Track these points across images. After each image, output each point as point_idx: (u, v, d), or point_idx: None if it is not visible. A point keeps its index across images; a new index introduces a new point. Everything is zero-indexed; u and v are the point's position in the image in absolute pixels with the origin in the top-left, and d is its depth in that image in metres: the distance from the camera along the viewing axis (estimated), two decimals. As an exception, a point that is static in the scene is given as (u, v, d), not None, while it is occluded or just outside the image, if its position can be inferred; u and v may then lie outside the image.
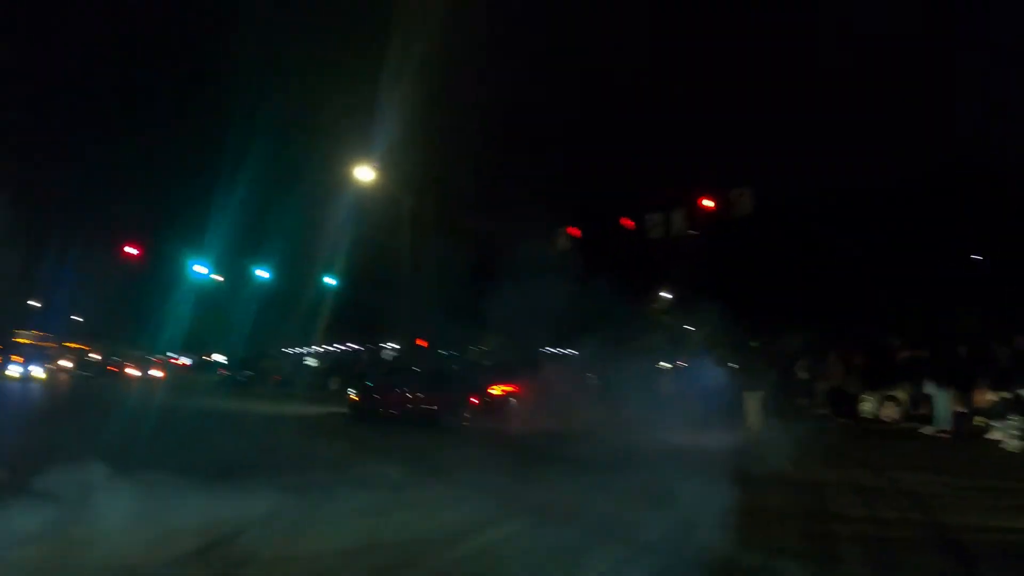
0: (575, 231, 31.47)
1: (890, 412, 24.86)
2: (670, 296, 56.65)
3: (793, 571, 7.52)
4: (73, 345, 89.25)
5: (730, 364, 25.85)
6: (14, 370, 57.42)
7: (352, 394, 29.72)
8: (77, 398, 40.45)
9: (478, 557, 8.23)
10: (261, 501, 10.44)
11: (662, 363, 32.67)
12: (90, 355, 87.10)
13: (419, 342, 49.74)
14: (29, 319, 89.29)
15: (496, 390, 26.73)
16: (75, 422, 24.51)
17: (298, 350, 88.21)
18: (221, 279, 58.74)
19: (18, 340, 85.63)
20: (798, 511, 10.39)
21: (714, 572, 7.44)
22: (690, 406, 26.60)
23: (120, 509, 9.01)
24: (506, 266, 42.35)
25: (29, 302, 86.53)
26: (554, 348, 55.58)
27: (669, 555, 8.01)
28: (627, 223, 29.02)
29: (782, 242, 39.63)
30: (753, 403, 20.20)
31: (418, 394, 26.96)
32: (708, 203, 27.13)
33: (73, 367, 74.44)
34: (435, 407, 26.01)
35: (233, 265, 55.48)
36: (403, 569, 7.81)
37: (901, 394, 25.10)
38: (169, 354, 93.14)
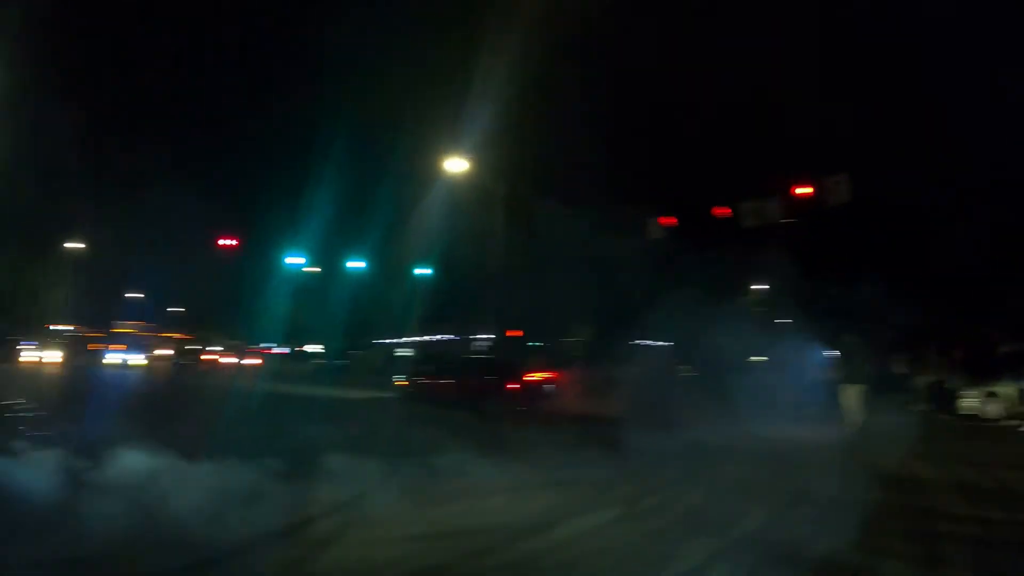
0: (668, 220, 31.02)
1: (993, 408, 23.98)
2: (764, 287, 55.72)
3: (895, 571, 7.24)
4: (172, 335, 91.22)
5: (827, 357, 25.25)
6: (113, 358, 60.13)
7: (399, 380, 32.21)
8: (176, 385, 41.28)
9: (566, 546, 8.11)
10: (349, 485, 10.81)
11: (756, 355, 32.09)
12: (188, 344, 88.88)
13: (511, 332, 49.73)
14: (130, 310, 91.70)
15: (534, 377, 27.24)
16: (183, 409, 25.16)
17: (393, 340, 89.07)
18: (316, 270, 59.30)
19: (120, 330, 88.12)
20: (899, 509, 10.01)
21: (810, 570, 7.18)
22: (786, 399, 26.22)
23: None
24: (599, 255, 42.17)
25: (130, 294, 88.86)
26: (647, 339, 55.18)
27: (762, 550, 7.80)
28: (721, 211, 28.44)
29: (880, 231, 38.62)
30: (851, 397, 19.63)
31: (455, 379, 28.24)
32: (804, 190, 26.39)
33: (171, 356, 76.26)
34: (473, 393, 26.07)
35: (328, 256, 56.08)
36: (488, 555, 7.77)
37: (1004, 389, 24.21)
38: (266, 344, 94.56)
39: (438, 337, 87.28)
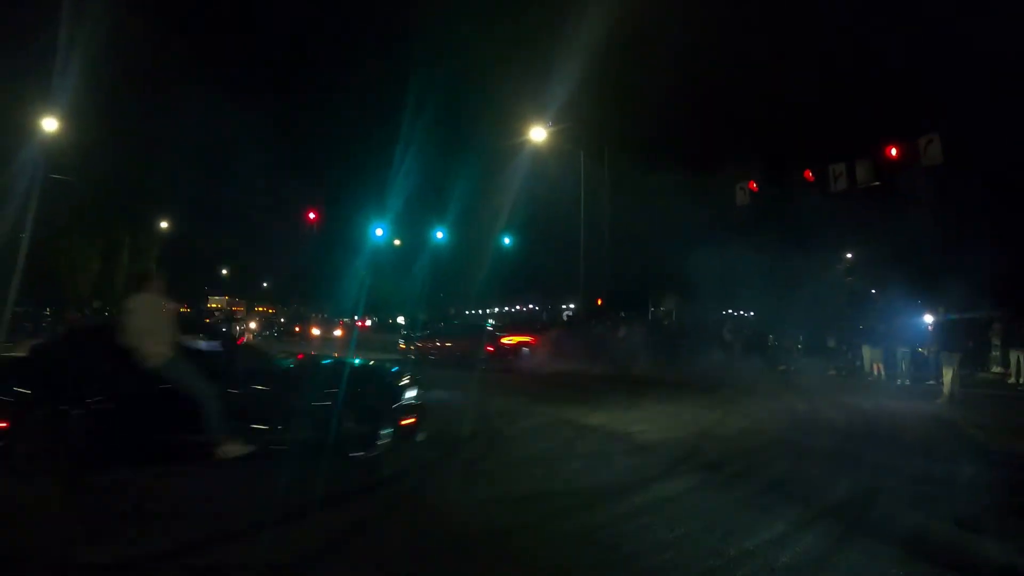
0: (754, 185, 30.20)
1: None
2: (854, 255, 54.42)
3: (988, 547, 6.80)
4: (261, 308, 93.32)
5: (924, 326, 24.45)
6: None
7: (400, 343, 39.09)
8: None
9: (645, 511, 7.91)
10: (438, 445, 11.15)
11: (849, 325, 31.23)
12: (276, 317, 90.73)
13: (597, 302, 49.30)
14: (221, 285, 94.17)
15: (509, 341, 33.18)
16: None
17: (479, 311, 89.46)
18: (399, 242, 59.59)
19: (210, 305, 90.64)
20: (995, 484, 9.44)
21: (897, 542, 6.78)
22: (879, 369, 25.50)
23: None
24: (684, 223, 41.53)
25: (222, 270, 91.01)
26: (735, 309, 54.30)
27: (850, 521, 7.43)
28: (808, 175, 27.55)
29: (975, 193, 37.18)
30: (948, 370, 18.94)
31: (447, 343, 34.33)
32: (894, 151, 25.36)
33: (257, 328, 78.16)
34: (459, 353, 32.11)
35: (412, 228, 56.24)
36: (565, 519, 7.63)
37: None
38: (352, 317, 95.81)
39: (526, 308, 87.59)
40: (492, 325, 39.71)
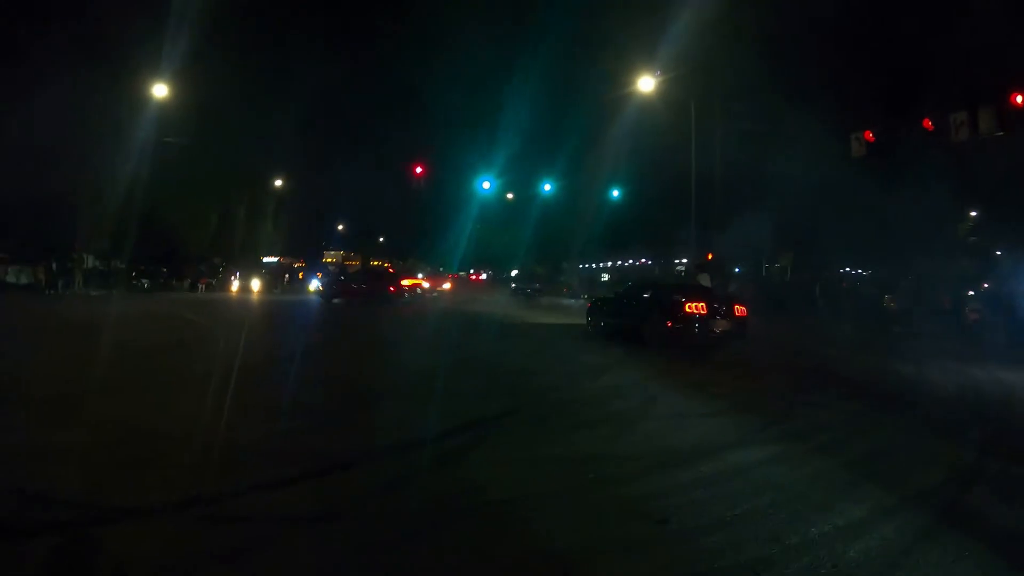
0: (870, 135, 28.44)
1: None
2: (977, 212, 51.51)
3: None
4: (376, 263, 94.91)
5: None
6: (316, 285, 63.96)
7: (316, 285, 48.74)
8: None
9: (710, 482, 7.15)
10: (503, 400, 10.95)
11: (971, 287, 29.47)
12: (388, 271, 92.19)
13: (707, 256, 48.04)
14: (338, 240, 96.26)
15: (409, 283, 46.76)
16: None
17: (592, 265, 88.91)
18: (511, 196, 59.27)
19: (326, 260, 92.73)
20: None
21: (994, 542, 5.70)
22: (999, 336, 23.71)
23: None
24: (796, 176, 39.84)
25: (338, 226, 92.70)
26: (850, 267, 52.30)
27: (939, 511, 6.32)
28: (928, 124, 25.72)
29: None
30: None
31: (363, 286, 43.46)
32: (1020, 99, 23.36)
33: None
34: (373, 294, 41.60)
35: (520, 181, 55.74)
36: (624, 485, 7.07)
37: None
38: (463, 270, 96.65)
39: (638, 262, 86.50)
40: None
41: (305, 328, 26.20)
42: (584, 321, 25.42)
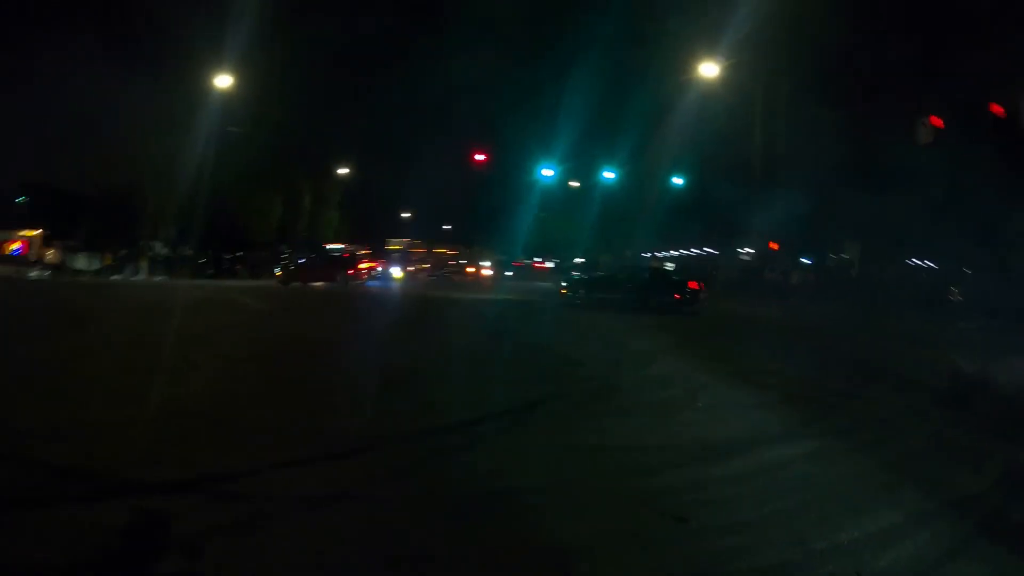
0: (938, 121, 27.43)
1: None
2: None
3: None
4: (440, 250, 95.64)
5: None
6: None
7: (277, 271, 48.67)
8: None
9: (740, 479, 6.76)
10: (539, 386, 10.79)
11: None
12: (453, 258, 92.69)
13: (772, 246, 47.21)
14: (403, 227, 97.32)
15: (365, 266, 49.02)
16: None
17: (656, 253, 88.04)
18: (575, 184, 58.93)
19: (390, 247, 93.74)
20: None
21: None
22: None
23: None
24: (863, 162, 38.79)
25: (403, 213, 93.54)
26: (917, 258, 50.89)
27: (980, 520, 5.76)
28: (997, 110, 24.69)
29: None
30: None
31: (317, 271, 45.28)
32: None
33: (430, 268, 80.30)
34: (327, 279, 43.89)
35: (582, 169, 55.35)
36: (649, 477, 6.79)
37: None
38: (535, 258, 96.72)
39: (702, 251, 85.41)
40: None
41: (354, 312, 26.50)
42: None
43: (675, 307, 28.13)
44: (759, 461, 7.34)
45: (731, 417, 9.49)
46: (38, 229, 53.17)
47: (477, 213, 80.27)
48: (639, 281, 30.16)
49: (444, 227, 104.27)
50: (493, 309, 30.17)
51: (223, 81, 43.05)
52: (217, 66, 43.20)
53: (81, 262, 50.56)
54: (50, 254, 51.41)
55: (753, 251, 53.27)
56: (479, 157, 45.95)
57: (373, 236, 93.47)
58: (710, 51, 35.77)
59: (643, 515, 5.78)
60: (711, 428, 8.81)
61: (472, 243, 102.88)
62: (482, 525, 5.56)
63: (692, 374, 12.77)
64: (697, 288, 29.02)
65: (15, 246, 52.40)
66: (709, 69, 35.72)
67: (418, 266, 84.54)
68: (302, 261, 49.44)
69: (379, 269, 51.23)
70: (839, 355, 16.81)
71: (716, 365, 13.83)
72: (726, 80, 37.05)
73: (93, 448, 7.16)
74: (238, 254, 57.04)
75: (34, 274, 44.26)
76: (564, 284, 32.41)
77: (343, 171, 69.92)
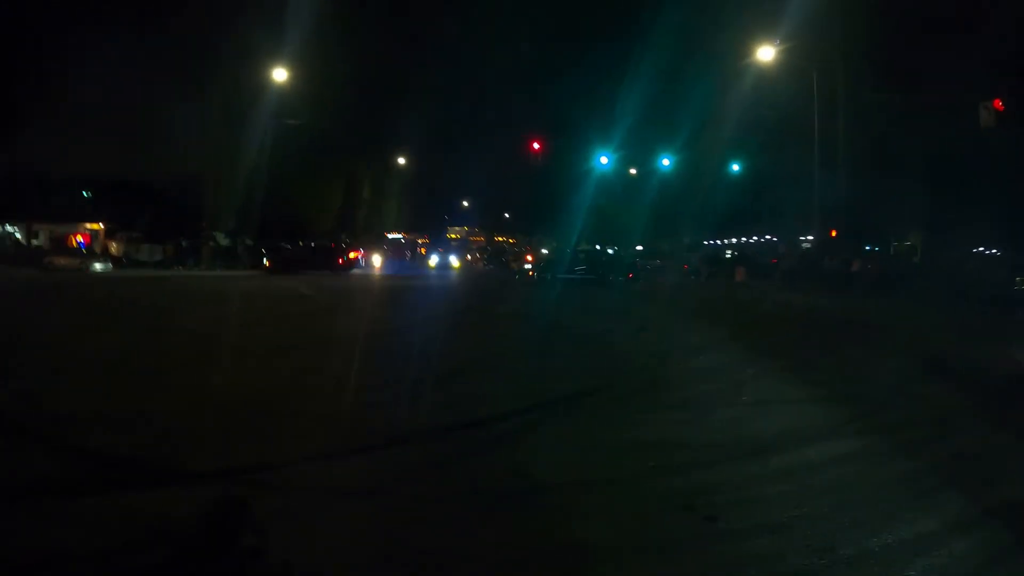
0: (999, 103, 26.58)
1: None
2: None
3: None
4: (500, 239, 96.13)
5: None
6: (435, 260, 65.84)
7: (265, 260, 48.15)
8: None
9: (778, 478, 6.59)
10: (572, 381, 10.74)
11: None
12: (512, 247, 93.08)
13: (831, 233, 46.37)
14: (458, 217, 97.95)
15: (352, 256, 51.02)
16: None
17: (714, 241, 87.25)
18: (634, 171, 58.55)
19: (450, 236, 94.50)
20: None
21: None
22: None
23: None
24: (924, 149, 37.85)
25: (463, 202, 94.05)
26: (984, 248, 49.61)
27: (1021, 530, 5.45)
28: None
29: None
30: None
31: (307, 259, 47.56)
32: None
33: (488, 256, 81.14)
34: (323, 267, 46.39)
35: (638, 156, 54.91)
36: (682, 475, 6.65)
37: None
38: (596, 247, 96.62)
39: (762, 238, 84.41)
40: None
41: (405, 303, 26.67)
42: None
43: (627, 283, 37.25)
44: (799, 460, 7.13)
45: (776, 413, 9.26)
46: (101, 222, 54.41)
47: (535, 201, 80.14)
48: (597, 262, 39.12)
49: (504, 216, 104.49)
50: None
51: (280, 74, 43.47)
52: (275, 59, 43.65)
53: (143, 253, 51.53)
54: (113, 246, 52.51)
55: (813, 238, 52.48)
56: (535, 145, 45.74)
57: (432, 225, 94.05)
58: (768, 35, 35.17)
59: (673, 514, 5.69)
60: (755, 425, 8.60)
61: (531, 231, 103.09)
62: (507, 522, 5.54)
63: (741, 368, 12.57)
64: (638, 268, 42.19)
65: (79, 239, 53.68)
66: (766, 53, 35.11)
67: (477, 255, 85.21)
68: (290, 250, 50.71)
69: (362, 259, 52.19)
70: (894, 348, 16.32)
71: (763, 359, 13.52)
72: (784, 64, 36.41)
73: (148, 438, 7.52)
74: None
75: (98, 266, 45.13)
76: (535, 270, 40.15)
77: (401, 161, 70.31)
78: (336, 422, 8.28)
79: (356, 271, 49.82)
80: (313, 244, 54.54)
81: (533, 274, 38.91)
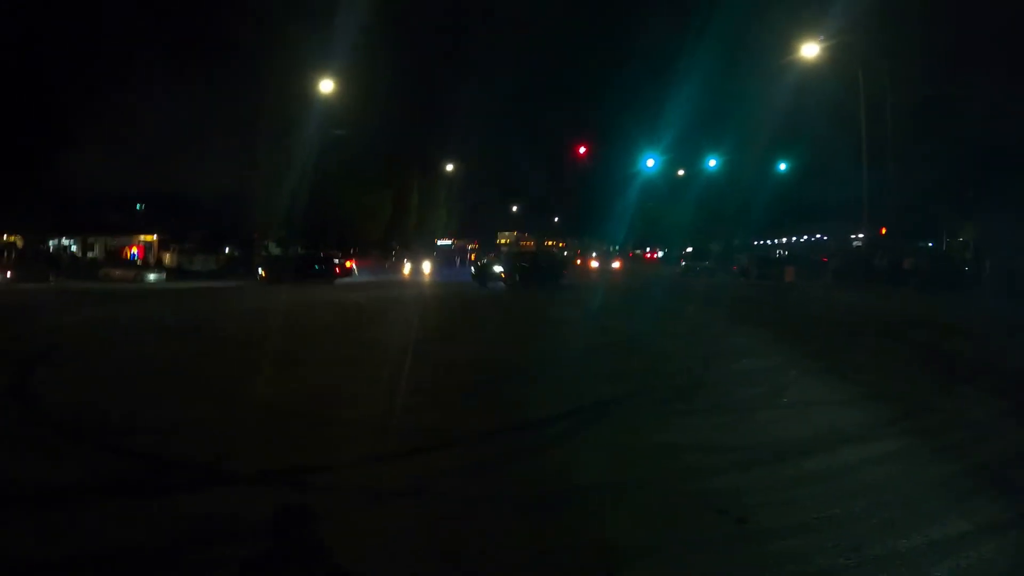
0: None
1: None
2: None
3: None
4: (549, 243, 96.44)
5: None
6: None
7: (260, 270, 47.06)
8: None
9: (817, 477, 6.65)
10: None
11: None
12: (563, 251, 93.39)
13: (881, 231, 45.82)
14: (511, 221, 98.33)
15: (348, 265, 48.69)
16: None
17: (764, 241, 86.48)
18: (681, 173, 58.37)
19: (499, 242, 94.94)
20: None
21: None
22: None
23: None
24: (975, 143, 37.30)
25: (512, 207, 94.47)
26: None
27: None
28: None
29: None
30: None
31: (314, 268, 46.28)
32: None
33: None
34: (324, 275, 45.60)
35: (684, 158, 54.72)
36: (720, 476, 6.78)
37: None
38: (644, 249, 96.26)
39: (813, 237, 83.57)
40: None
41: (452, 309, 26.88)
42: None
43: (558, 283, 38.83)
44: (834, 462, 7.11)
45: (815, 415, 9.19)
46: (155, 234, 55.43)
47: (583, 205, 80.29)
48: (529, 262, 39.99)
49: (553, 220, 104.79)
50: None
51: (327, 86, 44.02)
52: (323, 71, 44.19)
53: (196, 264, 52.31)
54: (167, 257, 53.41)
55: (862, 236, 51.89)
56: (582, 150, 45.88)
57: (481, 231, 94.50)
58: (814, 31, 34.90)
59: (704, 515, 5.77)
60: (793, 427, 8.58)
61: (580, 235, 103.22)
62: (545, 523, 5.69)
63: (784, 370, 12.55)
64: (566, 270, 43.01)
65: (133, 250, 54.78)
66: (810, 49, 34.84)
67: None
68: (281, 261, 50.11)
69: (354, 268, 49.82)
70: (944, 347, 16.09)
71: (807, 361, 13.45)
72: (831, 61, 36.13)
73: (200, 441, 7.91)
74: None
75: (152, 277, 45.87)
76: (472, 269, 40.59)
77: (449, 168, 70.69)
78: (381, 427, 8.52)
79: (347, 279, 48.09)
80: (303, 254, 53.44)
81: (474, 274, 39.11)
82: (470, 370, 12.58)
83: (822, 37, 34.39)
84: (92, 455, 7.50)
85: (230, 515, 5.67)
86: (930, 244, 48.86)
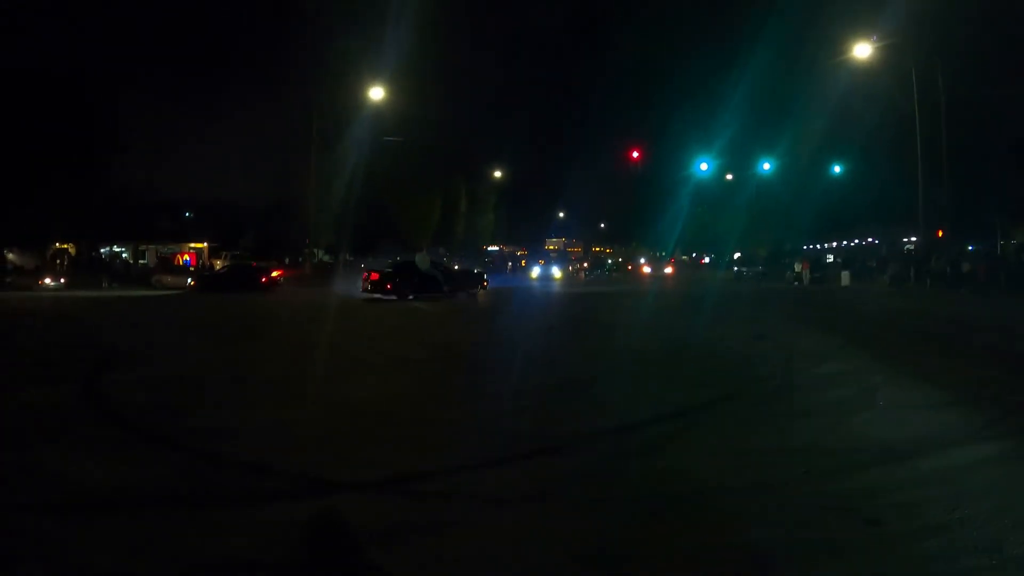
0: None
1: None
2: None
3: None
4: (597, 249, 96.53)
5: None
6: (536, 271, 66.25)
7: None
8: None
9: (912, 484, 6.59)
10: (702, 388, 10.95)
11: None
12: (611, 257, 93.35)
13: (938, 233, 45.33)
14: (558, 228, 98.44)
15: (275, 275, 45.80)
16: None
17: (816, 245, 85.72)
18: (730, 177, 58.15)
19: (548, 247, 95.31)
20: None
21: None
22: None
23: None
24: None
25: (559, 213, 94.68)
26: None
27: None
28: None
29: None
30: None
31: (231, 280, 44.08)
32: None
33: (585, 268, 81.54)
34: (245, 287, 42.24)
35: (737, 161, 54.45)
36: (826, 481, 6.74)
37: None
38: (694, 254, 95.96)
39: (866, 241, 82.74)
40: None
41: (513, 314, 27.13)
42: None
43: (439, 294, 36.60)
44: (946, 463, 7.08)
45: (912, 418, 9.18)
46: (204, 241, 56.44)
47: (633, 210, 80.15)
48: (414, 274, 37.29)
49: (601, 226, 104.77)
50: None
51: (377, 93, 44.45)
52: (373, 78, 44.56)
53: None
54: (217, 264, 54.28)
55: (916, 239, 51.42)
56: (635, 154, 45.85)
57: (529, 237, 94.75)
58: (868, 33, 34.73)
59: (834, 518, 5.80)
60: (893, 429, 8.57)
61: (630, 241, 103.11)
62: (679, 527, 5.71)
63: (866, 374, 12.44)
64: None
65: (186, 257, 55.82)
66: (862, 50, 34.64)
67: (578, 265, 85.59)
68: (215, 272, 50.29)
69: (283, 278, 47.42)
70: (1017, 351, 16.00)
71: (889, 367, 13.37)
72: (885, 63, 35.90)
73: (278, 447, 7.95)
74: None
75: None
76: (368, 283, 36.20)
77: (498, 174, 70.97)
78: (476, 430, 8.73)
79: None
80: (231, 264, 52.71)
81: (368, 287, 35.58)
82: (552, 374, 12.90)
83: (875, 37, 34.18)
84: (185, 461, 7.48)
85: (348, 526, 5.70)
86: (983, 247, 48.26)
